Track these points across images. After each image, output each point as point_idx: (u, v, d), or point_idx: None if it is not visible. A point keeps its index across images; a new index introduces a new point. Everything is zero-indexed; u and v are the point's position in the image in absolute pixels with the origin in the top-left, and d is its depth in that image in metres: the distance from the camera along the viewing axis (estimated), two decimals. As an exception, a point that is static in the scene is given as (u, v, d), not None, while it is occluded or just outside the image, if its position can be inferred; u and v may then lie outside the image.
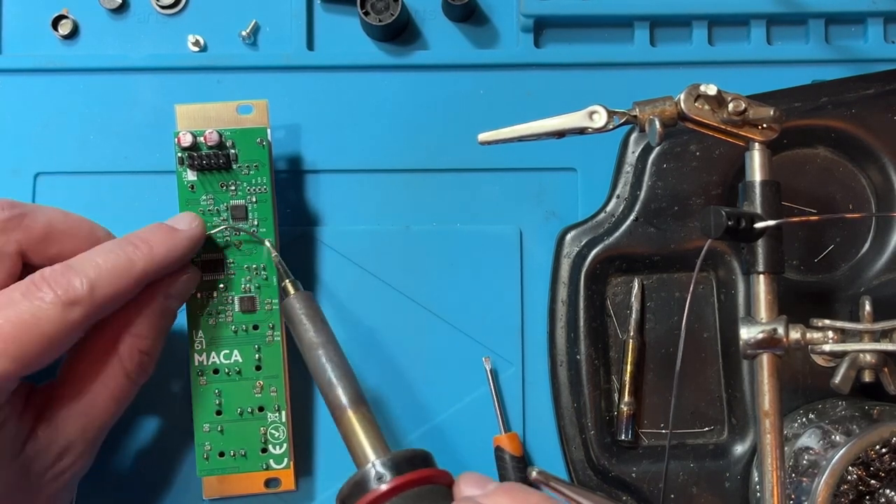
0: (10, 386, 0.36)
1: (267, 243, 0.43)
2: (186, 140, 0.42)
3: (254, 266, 0.43)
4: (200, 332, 0.43)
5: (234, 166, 0.43)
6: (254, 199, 0.43)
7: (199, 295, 0.43)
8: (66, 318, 0.36)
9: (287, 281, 0.42)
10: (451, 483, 0.37)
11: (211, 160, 0.42)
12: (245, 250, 0.43)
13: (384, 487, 0.35)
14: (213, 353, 0.43)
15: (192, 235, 0.41)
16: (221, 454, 0.43)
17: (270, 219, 0.43)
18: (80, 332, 0.37)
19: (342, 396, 0.38)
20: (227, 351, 0.43)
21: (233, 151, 0.43)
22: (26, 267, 0.39)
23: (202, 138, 0.42)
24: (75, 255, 0.38)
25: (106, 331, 0.39)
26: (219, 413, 0.43)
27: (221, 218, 0.43)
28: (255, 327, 0.43)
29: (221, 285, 0.43)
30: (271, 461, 0.43)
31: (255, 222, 0.43)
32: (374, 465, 0.36)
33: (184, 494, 0.45)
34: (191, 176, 0.43)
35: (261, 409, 0.43)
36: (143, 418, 0.45)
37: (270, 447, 0.43)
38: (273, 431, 0.43)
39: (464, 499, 0.35)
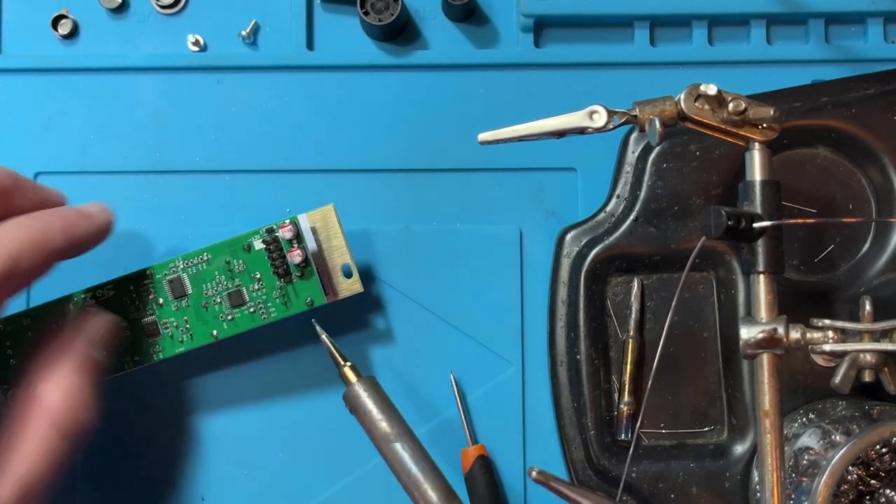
0: None
1: (316, 326, 0.42)
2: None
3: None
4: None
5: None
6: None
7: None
8: None
9: (346, 367, 0.40)
10: None
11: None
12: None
13: None
14: None
15: (104, 222, 0.40)
16: None
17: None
18: None
19: (431, 493, 0.38)
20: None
21: None
22: None
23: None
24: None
25: (30, 385, 0.38)
26: None
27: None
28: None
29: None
30: None
31: None
32: None
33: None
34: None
35: None
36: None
37: None
38: None
39: None
